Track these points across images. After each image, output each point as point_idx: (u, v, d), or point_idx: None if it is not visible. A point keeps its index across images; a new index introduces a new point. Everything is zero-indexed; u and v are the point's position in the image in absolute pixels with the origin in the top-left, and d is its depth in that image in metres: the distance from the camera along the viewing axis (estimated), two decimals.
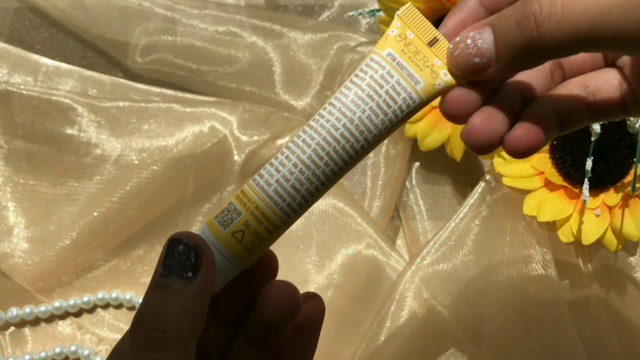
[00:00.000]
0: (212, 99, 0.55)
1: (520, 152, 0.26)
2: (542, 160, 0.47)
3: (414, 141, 0.53)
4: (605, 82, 0.28)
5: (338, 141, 0.26)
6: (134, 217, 0.51)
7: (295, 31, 0.57)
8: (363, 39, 0.57)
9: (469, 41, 0.26)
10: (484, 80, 0.26)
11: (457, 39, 0.26)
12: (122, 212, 0.50)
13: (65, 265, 0.50)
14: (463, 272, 0.47)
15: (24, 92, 0.53)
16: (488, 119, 0.26)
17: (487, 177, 0.49)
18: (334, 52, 0.57)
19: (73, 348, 0.48)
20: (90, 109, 0.53)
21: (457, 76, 0.27)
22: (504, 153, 0.46)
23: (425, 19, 0.27)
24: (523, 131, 0.26)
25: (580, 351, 0.45)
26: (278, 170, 0.26)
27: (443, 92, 0.27)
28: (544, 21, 0.24)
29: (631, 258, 0.49)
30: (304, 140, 0.26)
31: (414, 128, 0.52)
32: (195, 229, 0.52)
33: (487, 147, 0.26)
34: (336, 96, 0.27)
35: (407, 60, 0.27)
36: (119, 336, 0.49)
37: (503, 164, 0.46)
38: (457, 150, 0.50)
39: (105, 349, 0.49)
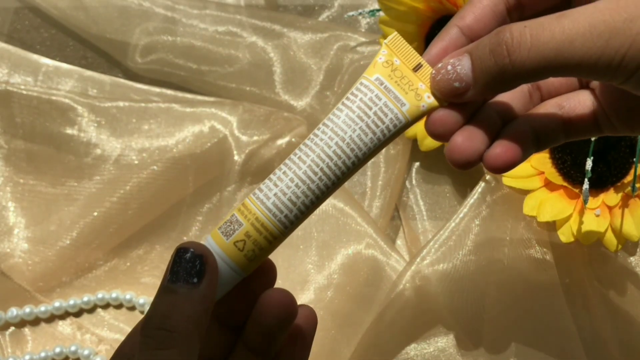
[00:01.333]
0: (212, 99, 0.55)
1: (499, 169, 0.28)
2: (542, 160, 0.47)
3: (414, 141, 0.53)
4: (579, 103, 0.31)
5: (331, 158, 0.29)
6: (134, 217, 0.51)
7: (295, 31, 0.57)
8: (363, 39, 0.57)
9: (449, 67, 0.28)
10: (464, 102, 0.29)
11: (439, 65, 0.28)
12: (122, 212, 0.50)
13: (65, 265, 0.50)
14: (463, 272, 0.47)
15: (24, 92, 0.53)
16: (469, 138, 0.28)
17: (487, 177, 0.49)
18: (334, 52, 0.57)
19: (73, 348, 0.48)
20: (90, 109, 0.53)
21: (439, 99, 0.29)
22: None
23: (410, 46, 0.30)
24: (501, 149, 0.28)
25: (581, 351, 0.45)
26: (276, 185, 0.29)
27: (427, 113, 0.29)
28: (514, 49, 0.26)
29: (631, 258, 0.49)
30: (299, 157, 0.29)
31: (414, 128, 0.52)
32: (195, 229, 0.52)
33: (468, 163, 0.28)
34: (329, 117, 0.29)
35: (393, 84, 0.29)
36: (119, 336, 0.49)
37: None
38: None
39: (105, 349, 0.49)
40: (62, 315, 0.50)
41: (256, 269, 0.29)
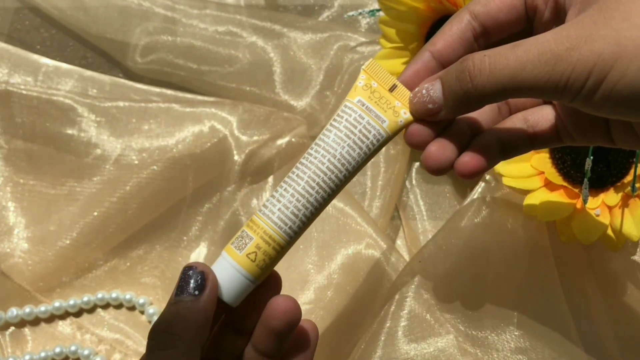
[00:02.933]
0: (212, 99, 0.55)
1: (467, 175, 0.33)
2: (542, 160, 0.47)
3: None
4: (542, 117, 0.35)
5: (325, 173, 0.32)
6: (134, 217, 0.51)
7: (295, 31, 0.57)
8: (363, 39, 0.57)
9: (424, 91, 0.32)
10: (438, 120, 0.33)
11: (416, 89, 0.33)
12: (122, 212, 0.50)
13: (65, 265, 0.50)
14: (463, 272, 0.47)
15: (24, 92, 0.53)
16: (441, 148, 0.33)
17: (487, 177, 0.49)
18: (334, 52, 0.57)
19: (73, 348, 0.48)
20: (90, 109, 0.53)
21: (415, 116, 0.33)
22: None
23: (385, 70, 0.34)
24: (469, 158, 0.33)
25: (581, 351, 0.45)
26: (279, 201, 0.32)
27: (404, 126, 0.33)
28: (475, 75, 0.30)
29: (631, 258, 0.49)
30: (297, 175, 0.32)
31: None
32: (195, 229, 0.52)
33: (440, 169, 0.33)
34: (320, 137, 0.33)
35: (373, 104, 0.33)
36: (119, 336, 0.50)
37: (503, 164, 0.46)
38: None
39: (105, 349, 0.49)
40: (62, 315, 0.50)
41: (265, 280, 0.33)
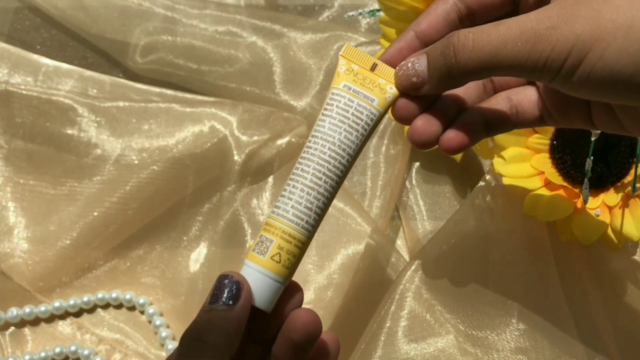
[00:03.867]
0: (212, 99, 0.55)
1: (451, 150, 0.33)
2: (542, 160, 0.47)
3: None
4: (525, 97, 0.35)
5: (328, 162, 0.33)
6: (134, 217, 0.51)
7: (295, 31, 0.57)
8: (363, 39, 0.57)
9: (409, 64, 0.33)
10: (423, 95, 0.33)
11: (402, 63, 0.33)
12: (122, 212, 0.50)
13: (65, 265, 0.50)
14: (462, 272, 0.47)
15: (24, 92, 0.53)
16: (427, 122, 0.33)
17: (487, 177, 0.49)
18: (334, 52, 0.57)
19: (73, 348, 0.48)
20: (90, 109, 0.53)
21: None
22: (503, 153, 0.47)
23: (362, 52, 0.35)
24: (454, 134, 0.33)
25: (580, 350, 0.45)
26: (290, 199, 0.32)
27: (393, 102, 0.34)
28: (459, 51, 0.30)
29: (631, 258, 0.49)
30: (302, 169, 0.33)
31: None
32: (195, 229, 0.52)
33: (426, 144, 0.33)
34: (315, 129, 0.33)
35: (359, 86, 0.34)
36: (119, 336, 0.50)
37: (503, 164, 0.46)
38: None
39: (105, 349, 0.49)
40: (62, 315, 0.50)
41: (285, 292, 0.33)
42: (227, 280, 0.31)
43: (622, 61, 0.28)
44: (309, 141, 0.33)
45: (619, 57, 0.28)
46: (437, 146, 0.34)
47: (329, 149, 0.33)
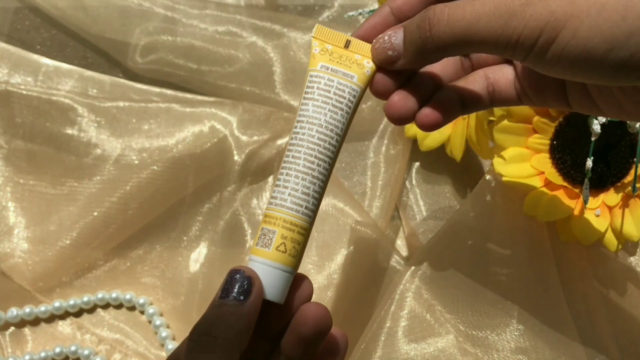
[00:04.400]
0: (212, 99, 0.55)
1: (427, 126, 0.33)
2: (542, 160, 0.47)
3: (414, 141, 0.53)
4: (502, 76, 0.35)
5: (318, 144, 0.32)
6: (134, 217, 0.51)
7: (295, 31, 0.57)
8: None
9: (386, 38, 0.32)
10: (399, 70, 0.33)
11: (379, 36, 0.33)
12: (122, 212, 0.50)
13: (65, 265, 0.50)
14: (462, 272, 0.47)
15: (24, 92, 0.53)
16: (404, 98, 0.33)
17: (487, 177, 0.49)
18: None
19: (73, 348, 0.48)
20: (90, 109, 0.53)
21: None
22: (503, 153, 0.47)
23: (333, 30, 0.34)
24: (430, 110, 0.33)
25: (580, 350, 0.45)
26: (285, 187, 0.32)
27: (372, 76, 0.34)
28: (433, 25, 0.30)
29: (631, 258, 0.49)
30: (293, 156, 0.33)
31: (414, 128, 0.52)
32: (195, 229, 0.52)
33: (402, 119, 0.33)
34: (299, 114, 0.33)
35: (336, 64, 0.34)
36: (119, 336, 0.49)
37: (503, 164, 0.46)
38: (457, 150, 0.50)
39: (105, 349, 0.49)
40: (62, 315, 0.50)
41: (293, 285, 0.32)
42: (238, 275, 0.31)
43: (595, 39, 0.27)
44: (295, 127, 0.33)
45: (592, 35, 0.27)
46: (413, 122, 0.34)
47: (317, 131, 0.33)
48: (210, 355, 0.29)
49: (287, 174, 0.32)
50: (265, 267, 0.31)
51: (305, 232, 0.32)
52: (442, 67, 0.35)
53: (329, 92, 0.33)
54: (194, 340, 0.30)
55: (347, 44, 0.34)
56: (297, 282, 0.33)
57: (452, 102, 0.34)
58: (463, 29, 0.29)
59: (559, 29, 0.28)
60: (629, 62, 0.27)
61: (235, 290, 0.30)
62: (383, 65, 0.33)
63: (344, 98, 0.33)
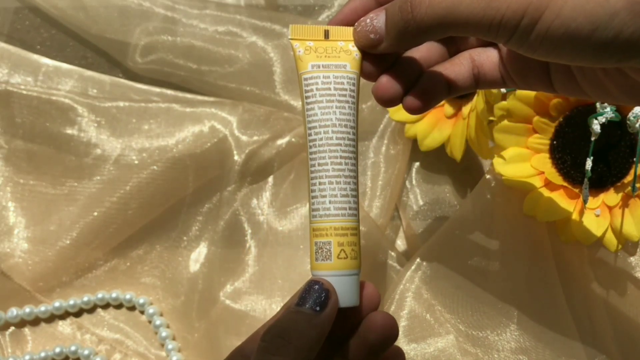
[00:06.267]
0: (212, 99, 0.55)
1: (414, 110, 0.33)
2: (542, 160, 0.47)
3: (414, 141, 0.53)
4: (487, 58, 0.35)
5: (339, 144, 0.32)
6: (134, 217, 0.51)
7: None
8: None
9: (368, 20, 0.32)
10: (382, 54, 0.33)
11: (361, 19, 0.33)
12: (122, 212, 0.50)
13: (65, 265, 0.50)
14: (462, 272, 0.47)
15: (24, 92, 0.53)
16: (392, 80, 0.33)
17: (487, 177, 0.49)
18: None
19: (73, 348, 0.48)
20: (90, 109, 0.53)
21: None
22: (503, 153, 0.47)
23: (308, 26, 0.34)
24: (416, 94, 0.33)
25: (580, 350, 0.45)
26: (324, 196, 0.32)
27: (362, 58, 0.33)
28: (415, 7, 0.30)
29: (631, 258, 0.49)
30: (319, 163, 0.32)
31: (414, 128, 0.52)
32: (195, 229, 0.52)
33: (390, 101, 0.33)
34: (307, 121, 0.33)
35: (325, 59, 0.33)
36: (119, 336, 0.49)
37: (503, 164, 0.46)
38: (457, 150, 0.50)
39: (105, 349, 0.49)
40: (62, 315, 0.50)
41: (363, 295, 0.33)
42: (317, 286, 0.31)
43: (578, 19, 0.27)
44: (309, 135, 0.33)
45: (575, 15, 0.27)
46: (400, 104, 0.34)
47: (333, 132, 0.32)
48: (281, 358, 0.29)
49: (320, 183, 0.32)
50: (334, 278, 0.32)
51: (356, 232, 0.33)
52: (427, 50, 0.35)
53: (330, 89, 0.33)
54: (267, 341, 0.30)
55: (326, 35, 0.34)
56: (366, 290, 0.33)
57: (438, 86, 0.34)
58: (445, 11, 0.29)
59: (542, 9, 0.27)
60: (612, 43, 0.27)
61: (313, 300, 0.31)
62: (365, 49, 0.33)
63: (346, 90, 0.33)
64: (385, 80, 0.33)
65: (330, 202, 0.32)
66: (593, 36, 0.27)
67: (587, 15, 0.27)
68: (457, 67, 0.35)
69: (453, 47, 0.36)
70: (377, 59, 0.33)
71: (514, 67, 0.34)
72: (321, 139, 0.32)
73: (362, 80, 0.34)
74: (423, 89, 0.33)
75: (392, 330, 0.32)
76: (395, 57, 0.34)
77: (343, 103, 0.33)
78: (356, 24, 0.33)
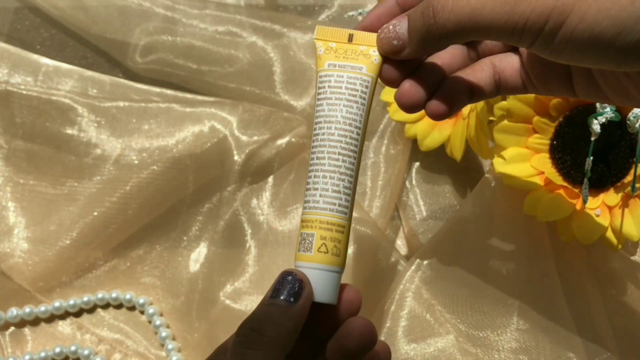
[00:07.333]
0: (212, 99, 0.55)
1: (437, 115, 0.33)
2: (542, 160, 0.47)
3: (414, 141, 0.53)
4: (508, 64, 0.35)
5: (339, 141, 0.32)
6: (134, 217, 0.51)
7: (295, 31, 0.57)
8: None
9: (390, 27, 0.32)
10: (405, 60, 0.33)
11: (384, 26, 0.33)
12: (122, 212, 0.50)
13: (65, 265, 0.50)
14: (462, 272, 0.47)
15: (24, 92, 0.53)
16: (415, 85, 0.33)
17: (487, 177, 0.49)
18: None
19: (73, 348, 0.48)
20: (90, 109, 0.53)
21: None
22: (503, 153, 0.47)
23: (334, 28, 0.34)
24: (439, 99, 0.33)
25: (580, 350, 0.45)
26: (316, 189, 0.32)
27: (381, 64, 0.34)
28: (438, 12, 0.30)
29: (631, 258, 0.49)
30: (317, 157, 0.33)
31: (414, 128, 0.52)
32: (195, 229, 0.52)
33: (413, 107, 0.33)
34: (315, 116, 0.33)
35: (343, 60, 0.34)
36: (119, 336, 0.49)
37: (503, 164, 0.46)
38: (457, 150, 0.50)
39: (105, 349, 0.49)
40: (62, 315, 0.50)
41: (344, 297, 0.33)
42: (290, 277, 0.31)
43: (603, 23, 0.27)
44: (314, 129, 0.33)
45: (600, 18, 0.27)
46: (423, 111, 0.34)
47: (335, 128, 0.33)
48: (257, 352, 0.29)
49: (314, 176, 0.33)
50: (311, 271, 0.32)
51: (343, 230, 0.32)
52: (449, 56, 0.35)
53: (341, 87, 0.33)
54: (242, 335, 0.30)
55: (350, 38, 0.34)
56: (347, 293, 0.33)
57: (460, 92, 0.34)
58: (468, 16, 0.29)
59: (566, 13, 0.27)
60: (636, 46, 0.27)
61: (286, 291, 0.31)
62: (389, 55, 0.33)
63: (357, 91, 0.33)
64: (408, 86, 0.33)
65: (320, 195, 0.32)
66: (617, 40, 0.27)
67: (612, 19, 0.27)
68: (479, 73, 0.35)
69: (474, 53, 0.36)
70: (400, 65, 0.33)
71: (535, 73, 0.34)
72: (323, 134, 0.33)
73: None
74: (447, 94, 0.33)
75: (370, 337, 0.32)
76: (418, 63, 0.34)
77: (352, 102, 0.33)
78: (379, 31, 0.33)
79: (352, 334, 0.32)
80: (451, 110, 0.33)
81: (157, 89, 0.56)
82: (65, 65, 0.58)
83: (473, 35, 0.30)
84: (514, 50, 0.35)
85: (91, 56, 0.60)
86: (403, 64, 0.33)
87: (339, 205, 0.32)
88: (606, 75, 0.32)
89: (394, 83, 0.34)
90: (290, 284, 0.31)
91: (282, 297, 0.30)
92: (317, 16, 0.61)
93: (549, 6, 0.28)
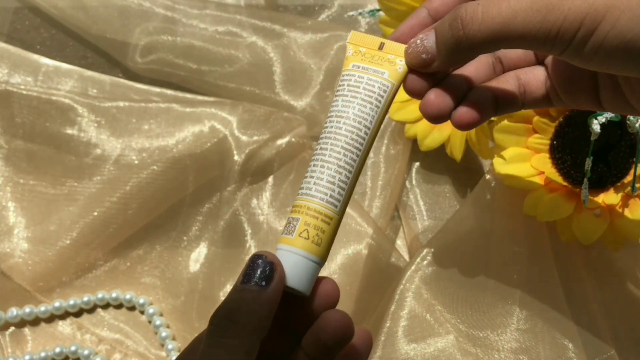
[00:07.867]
0: (212, 99, 0.55)
1: (462, 126, 0.33)
2: (542, 160, 0.47)
3: (414, 141, 0.53)
4: (534, 77, 0.35)
5: (345, 135, 0.33)
6: (134, 217, 0.51)
7: (295, 31, 0.57)
8: None
9: (418, 41, 0.32)
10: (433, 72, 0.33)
11: (411, 40, 0.33)
12: (122, 212, 0.50)
13: (65, 265, 0.50)
14: (462, 272, 0.47)
15: (24, 92, 0.53)
16: (440, 95, 0.33)
17: (487, 177, 0.49)
18: (334, 52, 0.57)
19: (73, 348, 0.48)
20: (90, 109, 0.53)
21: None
22: (503, 153, 0.47)
23: (367, 35, 0.35)
24: (466, 109, 0.33)
25: (580, 349, 0.45)
26: (312, 177, 0.32)
27: (405, 74, 0.34)
28: (467, 23, 0.30)
29: (631, 258, 0.49)
30: (321, 148, 0.33)
31: (414, 128, 0.52)
32: (195, 229, 0.52)
33: (439, 117, 0.33)
34: (330, 110, 0.34)
35: (368, 63, 0.34)
36: (119, 336, 0.49)
37: (503, 164, 0.46)
38: (457, 150, 0.50)
39: (105, 349, 0.49)
40: (62, 315, 0.50)
41: (320, 289, 0.32)
42: (260, 260, 0.30)
43: (635, 30, 0.27)
44: (325, 123, 0.33)
45: (632, 25, 0.27)
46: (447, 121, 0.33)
47: (344, 123, 0.33)
48: (230, 340, 0.29)
49: (314, 165, 0.33)
50: (289, 254, 0.31)
51: (330, 221, 0.32)
52: (475, 68, 0.35)
53: (359, 87, 0.33)
54: (215, 324, 0.29)
55: (381, 46, 0.34)
56: (324, 285, 0.32)
57: (486, 102, 0.34)
58: (499, 26, 0.29)
59: (599, 20, 0.28)
60: None
61: (257, 275, 0.30)
62: (418, 68, 0.33)
63: (374, 92, 0.33)
64: (433, 97, 0.33)
65: (314, 183, 0.32)
66: None
67: None
68: (504, 85, 0.35)
69: (499, 65, 0.36)
70: (425, 76, 0.33)
71: (562, 86, 0.34)
72: (332, 127, 0.33)
73: None
74: (472, 105, 0.33)
75: (346, 331, 0.31)
76: (444, 75, 0.34)
77: (366, 102, 0.33)
78: (407, 45, 0.33)
79: (327, 328, 0.31)
80: (478, 120, 0.33)
81: (157, 89, 0.56)
82: (65, 65, 0.58)
83: (504, 45, 0.30)
84: (540, 62, 0.35)
85: (91, 56, 0.60)
86: (429, 75, 0.33)
87: (331, 196, 0.32)
88: (633, 88, 0.32)
89: (418, 94, 0.33)
90: (261, 268, 0.30)
91: (253, 282, 0.30)
92: (317, 16, 0.61)
93: (581, 13, 0.28)
